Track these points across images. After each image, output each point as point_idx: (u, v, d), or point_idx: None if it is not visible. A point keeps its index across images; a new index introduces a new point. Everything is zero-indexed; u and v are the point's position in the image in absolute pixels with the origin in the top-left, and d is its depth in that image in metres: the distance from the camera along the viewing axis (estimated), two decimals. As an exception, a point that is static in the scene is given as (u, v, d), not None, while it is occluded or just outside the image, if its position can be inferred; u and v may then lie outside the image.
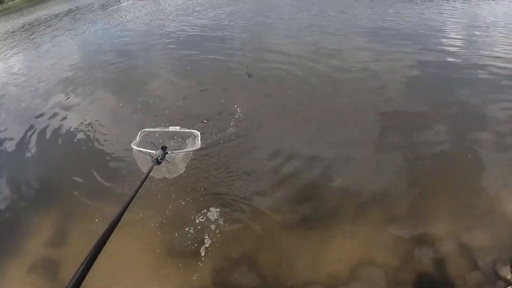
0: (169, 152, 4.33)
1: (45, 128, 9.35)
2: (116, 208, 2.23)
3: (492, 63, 9.18)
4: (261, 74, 9.87)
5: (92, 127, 8.79)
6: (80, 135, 8.57)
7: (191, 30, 16.59)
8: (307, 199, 5.48)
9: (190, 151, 4.63)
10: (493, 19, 12.94)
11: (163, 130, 4.66)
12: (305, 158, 6.24)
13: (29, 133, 9.28)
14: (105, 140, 8.06)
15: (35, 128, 9.49)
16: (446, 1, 16.00)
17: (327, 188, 5.62)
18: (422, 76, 8.89)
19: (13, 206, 6.68)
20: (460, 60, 9.55)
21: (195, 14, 20.29)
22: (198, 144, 4.54)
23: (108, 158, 7.34)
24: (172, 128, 4.59)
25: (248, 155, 6.56)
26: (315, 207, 5.31)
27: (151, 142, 4.52)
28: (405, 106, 7.56)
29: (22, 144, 8.87)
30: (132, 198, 3.05)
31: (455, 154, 6.01)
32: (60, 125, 9.36)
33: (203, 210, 5.41)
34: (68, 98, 11.11)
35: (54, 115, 10.06)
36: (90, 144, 8.10)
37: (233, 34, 14.45)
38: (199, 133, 4.65)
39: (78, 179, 6.91)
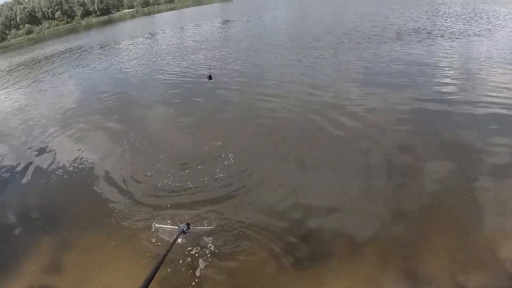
0: (191, 227, 5.64)
1: (43, 161, 9.63)
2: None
3: (488, 99, 9.50)
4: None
5: (87, 162, 9.09)
6: (76, 170, 8.84)
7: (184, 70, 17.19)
8: (303, 240, 5.53)
9: (210, 228, 5.94)
10: (486, 55, 13.44)
11: (181, 227, 5.57)
12: (304, 202, 6.38)
13: (27, 165, 9.58)
14: (100, 175, 8.32)
15: (33, 161, 9.79)
16: (439, 40, 16.86)
17: (323, 230, 5.71)
18: (416, 114, 9.12)
19: (13, 232, 6.83)
20: (455, 97, 9.86)
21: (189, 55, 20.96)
22: (213, 225, 6.03)
23: (102, 192, 7.56)
24: (182, 226, 5.59)
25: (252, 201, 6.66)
26: (311, 248, 5.37)
27: (179, 220, 5.87)
28: (399, 146, 7.76)
29: (21, 175, 9.11)
30: (161, 263, 3.72)
31: (451, 194, 6.08)
32: (57, 159, 9.65)
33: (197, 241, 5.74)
34: (65, 134, 11.43)
35: (52, 149, 10.37)
36: (86, 178, 8.35)
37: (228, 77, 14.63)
38: (213, 213, 6.30)
39: (74, 211, 7.14)
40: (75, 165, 9.06)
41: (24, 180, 8.79)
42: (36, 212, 7.36)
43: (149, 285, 2.75)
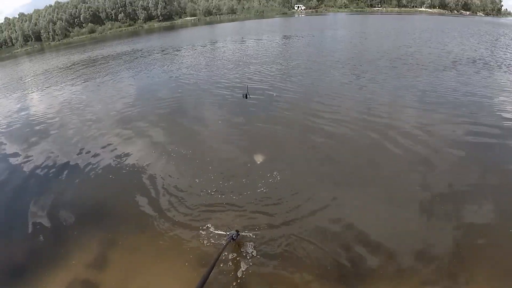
0: (240, 233, 5.83)
1: (92, 160, 9.66)
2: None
3: None
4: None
5: (135, 165, 9.06)
6: (124, 171, 8.79)
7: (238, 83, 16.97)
8: (348, 256, 5.45)
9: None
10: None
11: (231, 234, 5.63)
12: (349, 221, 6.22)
13: (76, 163, 9.59)
14: (147, 179, 8.23)
15: (83, 159, 9.80)
16: (496, 71, 16.76)
17: (368, 249, 5.56)
18: (471, 147, 8.89)
19: (61, 226, 6.85)
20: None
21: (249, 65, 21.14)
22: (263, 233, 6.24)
23: (148, 195, 7.51)
24: (232, 232, 5.66)
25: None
26: (355, 266, 5.29)
27: (228, 227, 6.07)
28: (453, 176, 7.52)
29: (70, 172, 9.16)
30: (210, 271, 3.79)
31: (498, 227, 5.93)
32: (107, 159, 9.65)
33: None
34: (117, 135, 11.45)
35: (102, 149, 10.39)
36: (133, 179, 8.28)
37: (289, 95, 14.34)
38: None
39: (121, 210, 7.16)
40: (124, 166, 9.05)
41: (73, 177, 8.83)
42: (83, 208, 7.40)
43: None
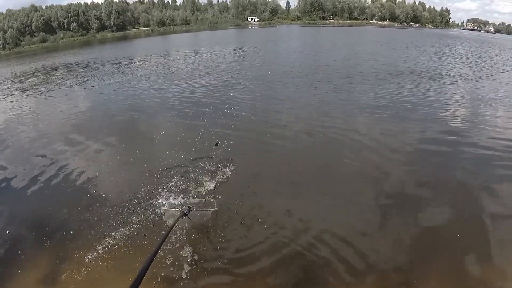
0: (193, 209, 6.26)
1: (46, 173, 9.83)
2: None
3: (494, 138, 10.51)
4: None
5: (88, 174, 9.47)
6: (77, 180, 9.22)
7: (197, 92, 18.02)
8: (301, 267, 5.80)
9: (210, 210, 6.80)
10: (493, 95, 14.94)
11: (186, 200, 7.10)
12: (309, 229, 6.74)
13: (29, 176, 9.71)
14: (102, 187, 8.72)
15: (36, 170, 10.04)
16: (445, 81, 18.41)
17: (323, 258, 5.91)
18: (423, 152, 9.94)
19: (11, 241, 6.99)
20: (461, 137, 10.80)
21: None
22: (215, 207, 7.02)
23: (104, 204, 7.88)
24: (193, 200, 7.03)
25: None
26: (307, 271, 5.69)
27: (180, 204, 6.91)
28: (405, 182, 8.34)
29: (23, 184, 9.34)
30: (160, 244, 3.89)
31: (453, 227, 6.58)
32: (59, 169, 9.95)
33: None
34: (70, 143, 11.85)
35: (54, 158, 10.69)
36: (88, 189, 8.72)
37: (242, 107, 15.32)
38: (214, 200, 7.31)
39: (73, 223, 7.32)
40: (73, 180, 9.32)
41: (21, 191, 8.96)
42: (32, 224, 7.51)
43: (149, 266, 2.94)
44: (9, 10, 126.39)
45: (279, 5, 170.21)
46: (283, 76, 21.48)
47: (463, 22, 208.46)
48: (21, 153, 11.61)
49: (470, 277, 5.44)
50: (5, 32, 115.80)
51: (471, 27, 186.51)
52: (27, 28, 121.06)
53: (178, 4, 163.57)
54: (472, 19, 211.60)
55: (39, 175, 9.72)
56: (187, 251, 6.13)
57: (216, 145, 9.49)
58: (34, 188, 9.00)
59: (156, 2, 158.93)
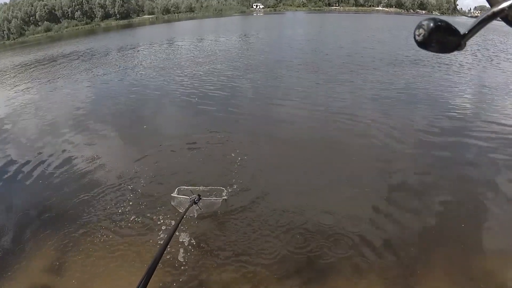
0: (202, 198, 6.14)
1: (49, 160, 9.77)
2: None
3: (497, 128, 10.22)
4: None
5: (94, 163, 9.28)
6: (82, 170, 9.00)
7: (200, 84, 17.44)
8: (308, 251, 5.69)
9: (220, 199, 6.62)
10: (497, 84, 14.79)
11: (195, 187, 6.73)
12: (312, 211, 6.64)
13: (34, 165, 9.61)
14: (107, 175, 8.58)
15: (41, 159, 9.91)
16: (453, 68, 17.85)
17: (328, 242, 5.82)
18: (429, 142, 9.60)
19: (15, 230, 6.88)
20: (469, 127, 10.51)
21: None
22: (225, 195, 6.82)
23: (108, 194, 7.71)
24: (202, 187, 6.78)
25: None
26: (313, 260, 5.52)
27: (190, 191, 6.44)
28: (410, 171, 8.10)
29: (28, 173, 9.22)
30: (173, 233, 3.84)
31: (457, 216, 6.43)
32: (64, 159, 9.79)
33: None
34: (74, 132, 11.76)
35: (59, 148, 10.51)
36: (91, 178, 8.53)
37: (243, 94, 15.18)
38: (224, 189, 6.97)
39: (78, 213, 7.12)
40: (79, 169, 9.09)
41: (27, 180, 8.83)
42: (38, 212, 7.36)
43: (162, 254, 2.98)
44: (13, 0, 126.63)
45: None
46: (286, 65, 21.06)
47: (470, 9, 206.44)
48: (26, 141, 11.52)
49: (475, 269, 5.24)
50: (9, 22, 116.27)
51: (478, 14, 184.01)
52: (31, 18, 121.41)
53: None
54: (480, 6, 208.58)
55: (44, 164, 9.58)
56: (195, 241, 5.96)
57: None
58: (40, 177, 8.87)
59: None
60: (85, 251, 5.95)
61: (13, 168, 9.63)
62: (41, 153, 10.34)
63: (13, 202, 7.90)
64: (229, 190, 7.17)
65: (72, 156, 9.86)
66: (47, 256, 5.98)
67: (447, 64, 19.54)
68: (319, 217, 6.43)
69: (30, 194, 8.18)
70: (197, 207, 6.08)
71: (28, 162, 9.82)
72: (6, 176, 9.26)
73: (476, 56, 22.87)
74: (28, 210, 7.47)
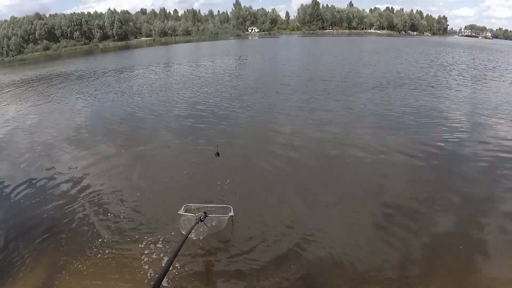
0: (209, 215, 6.18)
1: (45, 182, 9.58)
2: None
3: (495, 147, 10.46)
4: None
5: (90, 184, 9.17)
6: (77, 189, 8.89)
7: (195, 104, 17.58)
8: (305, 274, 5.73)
9: (226, 216, 6.53)
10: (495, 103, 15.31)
11: (202, 204, 6.76)
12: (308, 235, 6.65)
13: (28, 184, 9.50)
14: (101, 195, 8.52)
15: (35, 181, 9.73)
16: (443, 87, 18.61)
17: (326, 264, 5.88)
18: (424, 163, 9.73)
19: (9, 247, 6.81)
20: (462, 146, 10.74)
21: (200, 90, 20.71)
22: (232, 213, 6.59)
23: (109, 212, 7.68)
24: (209, 205, 6.74)
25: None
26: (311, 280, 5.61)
27: (197, 209, 6.57)
28: (407, 193, 8.11)
29: (23, 190, 9.18)
30: (178, 250, 3.98)
31: (455, 238, 6.44)
32: (59, 176, 9.81)
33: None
34: (69, 153, 11.69)
35: (53, 168, 10.42)
36: (87, 197, 8.43)
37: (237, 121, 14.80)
38: (231, 206, 6.74)
39: (74, 230, 7.12)
40: (72, 187, 8.95)
41: (21, 198, 8.75)
42: (31, 231, 7.27)
43: (167, 271, 3.04)
44: (13, 18, 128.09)
45: (278, 15, 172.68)
46: (280, 87, 21.56)
47: (461, 29, 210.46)
48: (21, 160, 11.45)
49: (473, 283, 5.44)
50: (9, 39, 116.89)
51: (469, 33, 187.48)
52: (30, 36, 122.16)
53: (179, 14, 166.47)
54: (470, 25, 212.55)
55: (39, 182, 9.52)
56: (200, 259, 6.02)
57: (217, 155, 8.82)
58: (34, 195, 8.80)
59: (158, 12, 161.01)
60: (82, 270, 5.91)
61: (7, 185, 9.57)
62: (35, 172, 10.28)
63: (3, 219, 7.83)
64: (233, 204, 6.96)
65: (66, 176, 9.77)
66: (37, 275, 5.98)
67: (432, 87, 20.02)
68: (317, 245, 6.37)
69: (25, 210, 8.10)
70: (203, 226, 6.03)
71: (20, 179, 9.74)
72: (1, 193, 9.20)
73: (464, 76, 23.80)
74: (18, 228, 7.40)
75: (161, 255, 6.02)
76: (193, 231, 5.78)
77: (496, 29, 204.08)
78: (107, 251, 6.28)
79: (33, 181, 9.60)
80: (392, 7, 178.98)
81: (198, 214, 5.96)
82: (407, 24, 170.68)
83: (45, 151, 11.94)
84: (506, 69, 28.19)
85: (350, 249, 6.17)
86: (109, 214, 7.55)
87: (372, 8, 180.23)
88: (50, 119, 16.97)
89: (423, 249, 6.18)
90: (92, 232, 6.92)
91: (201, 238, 6.23)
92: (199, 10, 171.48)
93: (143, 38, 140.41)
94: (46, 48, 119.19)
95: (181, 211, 6.45)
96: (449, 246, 6.21)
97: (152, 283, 2.71)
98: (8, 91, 27.83)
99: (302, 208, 7.56)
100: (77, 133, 14.01)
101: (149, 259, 5.93)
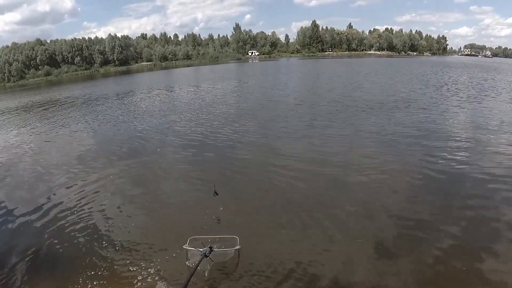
0: (214, 250, 6.16)
1: (49, 208, 9.55)
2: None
3: (492, 164, 10.55)
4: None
5: (95, 212, 9.03)
6: (82, 218, 8.76)
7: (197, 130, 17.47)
8: None
9: (232, 249, 6.42)
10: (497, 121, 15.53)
11: (207, 236, 6.61)
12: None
13: (33, 210, 9.51)
14: (105, 224, 8.37)
15: (39, 206, 9.70)
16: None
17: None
18: (428, 182, 9.74)
19: (14, 272, 6.78)
20: (466, 165, 10.76)
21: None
22: (238, 245, 6.47)
23: (107, 241, 7.58)
24: (214, 236, 6.60)
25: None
26: None
27: (201, 243, 6.29)
28: (412, 212, 8.09)
29: (25, 216, 9.19)
30: (186, 284, 4.06)
31: (459, 258, 6.34)
32: (63, 204, 9.67)
33: None
34: (73, 178, 11.65)
35: (59, 198, 10.24)
36: (92, 227, 8.29)
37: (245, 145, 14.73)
38: (237, 237, 6.59)
39: (76, 259, 6.99)
40: (77, 213, 8.96)
41: (24, 225, 8.76)
42: (35, 257, 7.25)
43: None
44: (14, 44, 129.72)
45: (278, 38, 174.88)
46: (281, 112, 21.46)
47: (461, 48, 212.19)
48: (23, 187, 11.44)
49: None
50: (10, 64, 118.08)
51: (469, 52, 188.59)
52: (31, 61, 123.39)
53: (180, 39, 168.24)
54: (469, 44, 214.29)
55: (41, 210, 9.44)
56: None
57: (216, 194, 8.64)
58: (37, 223, 8.76)
59: (158, 37, 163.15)
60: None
61: (7, 211, 9.65)
62: (38, 198, 10.23)
63: (8, 246, 7.79)
64: (239, 236, 6.79)
65: (70, 202, 9.72)
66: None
67: (425, 109, 19.70)
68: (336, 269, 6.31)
69: (25, 238, 8.03)
70: (209, 260, 5.98)
71: (25, 209, 9.63)
72: (4, 221, 9.19)
73: (462, 97, 23.79)
74: (22, 253, 7.35)
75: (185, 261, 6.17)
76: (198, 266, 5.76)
77: (496, 48, 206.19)
78: (110, 282, 6.19)
79: (33, 209, 9.55)
80: (391, 28, 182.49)
81: (204, 249, 5.97)
82: (407, 45, 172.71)
83: (47, 175, 12.08)
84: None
85: (357, 273, 6.16)
86: (117, 246, 7.35)
87: (372, 29, 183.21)
88: (53, 144, 17.17)
89: (426, 269, 6.13)
90: (91, 262, 6.78)
91: (206, 273, 6.08)
92: (199, 34, 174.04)
93: (144, 63, 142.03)
94: (48, 74, 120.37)
95: (187, 245, 6.36)
96: (453, 267, 6.13)
97: None
98: (10, 118, 27.92)
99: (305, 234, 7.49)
100: (78, 158, 14.10)
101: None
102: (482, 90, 27.25)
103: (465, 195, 8.84)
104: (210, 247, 6.07)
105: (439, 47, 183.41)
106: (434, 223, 7.56)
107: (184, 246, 6.38)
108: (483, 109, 19.42)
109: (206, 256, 5.87)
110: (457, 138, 13.53)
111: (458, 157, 11.40)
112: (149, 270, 6.37)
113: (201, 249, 6.02)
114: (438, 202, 8.52)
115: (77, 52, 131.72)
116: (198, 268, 5.79)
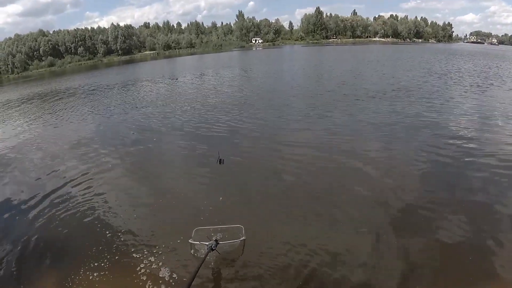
0: (220, 242, 6.12)
1: (53, 197, 9.57)
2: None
3: (501, 152, 10.43)
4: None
5: (98, 202, 9.01)
6: (85, 208, 8.74)
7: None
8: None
9: (238, 241, 6.36)
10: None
11: (212, 227, 6.69)
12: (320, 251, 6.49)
13: (36, 199, 9.53)
14: (109, 214, 8.33)
15: (43, 195, 9.72)
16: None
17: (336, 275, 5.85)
18: (433, 168, 9.76)
19: (18, 265, 6.76)
20: (470, 154, 10.52)
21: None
22: (243, 235, 6.43)
23: (111, 232, 7.51)
24: (219, 227, 6.68)
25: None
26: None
27: (206, 236, 6.29)
28: (417, 201, 8.03)
29: (30, 207, 9.13)
30: (192, 279, 3.98)
31: (467, 248, 6.32)
32: (68, 196, 9.58)
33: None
34: (78, 170, 11.48)
35: (63, 186, 10.29)
36: (95, 217, 8.27)
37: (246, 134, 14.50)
38: (242, 226, 6.56)
39: (80, 249, 6.99)
40: (82, 204, 8.90)
41: (28, 216, 8.67)
42: (40, 247, 7.25)
43: None
44: (17, 35, 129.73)
45: (282, 26, 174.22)
46: (285, 98, 21.58)
47: (466, 35, 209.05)
48: (28, 178, 11.41)
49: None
50: (14, 56, 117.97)
51: (474, 40, 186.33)
52: (35, 53, 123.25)
53: (183, 27, 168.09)
54: (475, 31, 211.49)
55: (46, 198, 9.47)
56: (210, 285, 5.88)
57: (220, 162, 8.71)
58: (41, 212, 8.75)
59: (161, 26, 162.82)
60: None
61: (12, 202, 9.62)
62: (42, 189, 10.16)
63: (14, 236, 7.78)
64: (244, 225, 6.72)
65: (74, 192, 9.72)
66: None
67: (428, 98, 19.23)
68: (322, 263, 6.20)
69: (28, 228, 8.03)
70: (215, 253, 6.00)
71: (31, 197, 9.67)
72: (9, 209, 9.21)
73: (468, 86, 23.23)
74: (26, 244, 7.37)
75: (173, 284, 5.85)
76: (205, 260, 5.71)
77: (502, 35, 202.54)
78: (114, 273, 6.19)
79: (39, 197, 9.58)
80: (396, 15, 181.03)
81: (210, 243, 5.95)
82: (412, 32, 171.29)
83: (52, 171, 11.72)
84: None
85: (361, 260, 6.15)
86: (119, 232, 7.42)
87: (376, 16, 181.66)
88: (57, 134, 17.05)
89: (433, 258, 6.09)
90: (94, 253, 6.76)
91: (211, 264, 6.18)
92: (202, 23, 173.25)
93: (147, 52, 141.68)
94: (51, 65, 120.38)
95: (192, 238, 6.34)
96: (459, 257, 6.11)
97: None
98: (15, 109, 27.95)
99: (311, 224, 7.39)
100: (83, 147, 14.03)
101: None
102: (489, 77, 26.78)
103: (471, 184, 8.71)
104: (216, 240, 6.05)
105: (444, 34, 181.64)
106: (441, 213, 7.43)
107: (189, 241, 6.30)
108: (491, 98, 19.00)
109: (213, 250, 5.87)
110: (463, 127, 13.32)
111: (466, 146, 11.24)
112: (152, 260, 6.38)
113: (207, 243, 5.99)
114: (443, 192, 8.36)
115: (80, 42, 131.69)
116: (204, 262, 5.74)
